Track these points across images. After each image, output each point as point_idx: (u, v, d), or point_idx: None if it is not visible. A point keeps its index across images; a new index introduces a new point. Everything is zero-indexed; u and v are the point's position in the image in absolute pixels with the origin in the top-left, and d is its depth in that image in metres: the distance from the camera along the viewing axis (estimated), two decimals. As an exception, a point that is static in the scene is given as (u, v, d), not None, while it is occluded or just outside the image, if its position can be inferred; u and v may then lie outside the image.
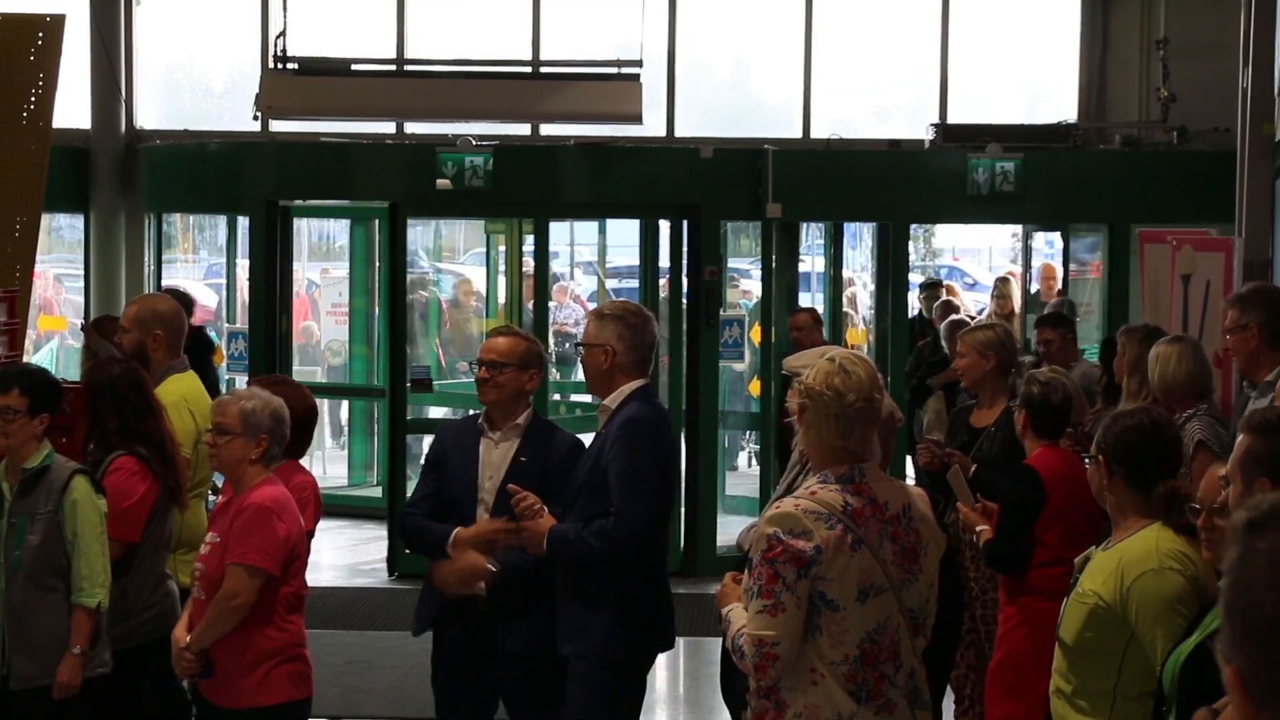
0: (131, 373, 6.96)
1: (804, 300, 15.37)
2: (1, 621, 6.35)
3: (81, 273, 16.40)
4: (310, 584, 6.57)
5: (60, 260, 20.11)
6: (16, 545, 6.34)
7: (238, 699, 6.20)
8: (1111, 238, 14.48)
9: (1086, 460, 5.28)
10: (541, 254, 14.29)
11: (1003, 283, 16.34)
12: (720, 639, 5.47)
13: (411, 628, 6.92)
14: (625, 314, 6.51)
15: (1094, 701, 4.93)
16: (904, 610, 4.85)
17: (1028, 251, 16.45)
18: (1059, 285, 15.79)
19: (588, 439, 6.58)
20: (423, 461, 7.05)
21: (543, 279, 14.32)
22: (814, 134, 15.96)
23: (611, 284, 22.23)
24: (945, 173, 14.36)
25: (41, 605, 6.34)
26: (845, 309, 15.84)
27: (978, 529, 7.25)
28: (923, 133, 15.05)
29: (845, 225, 15.37)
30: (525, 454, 6.58)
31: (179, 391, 7.48)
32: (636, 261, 15.75)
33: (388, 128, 15.87)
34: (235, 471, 6.25)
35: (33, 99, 11.58)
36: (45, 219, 12.35)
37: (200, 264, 15.90)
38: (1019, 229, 19.22)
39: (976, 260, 28.46)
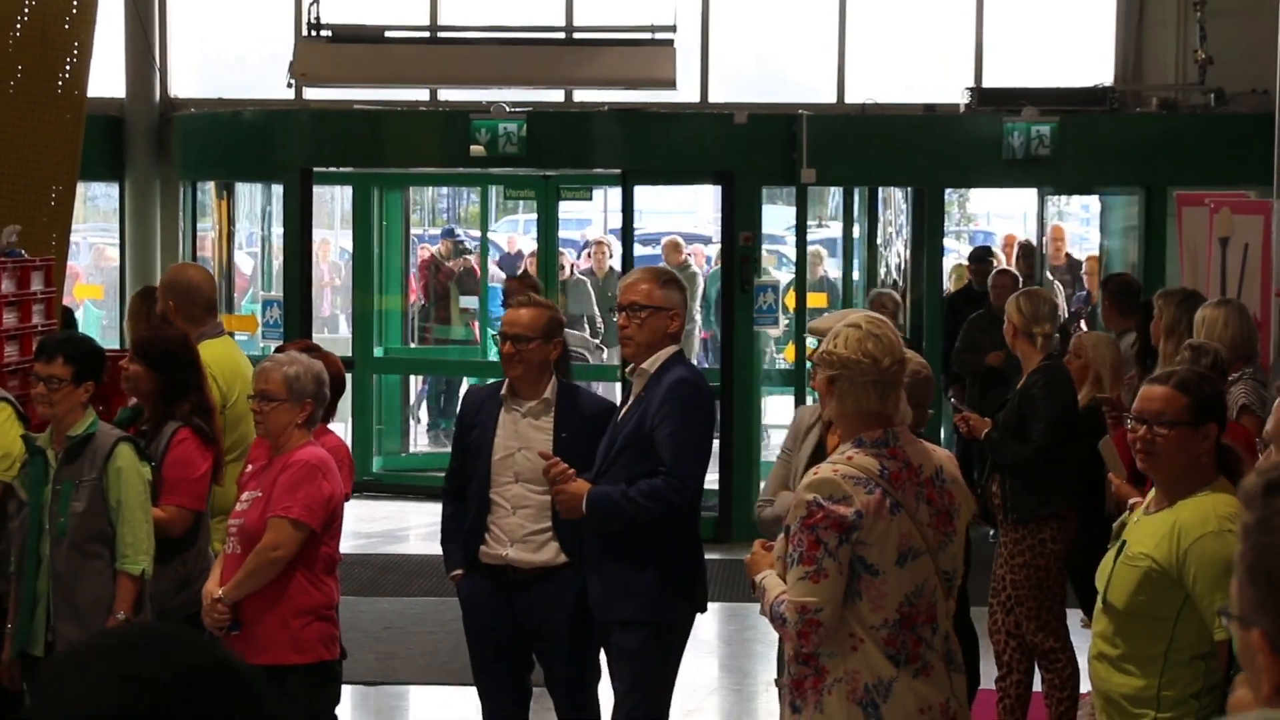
0: (188, 339, 6.99)
1: (832, 266, 15.35)
2: (48, 587, 6.38)
3: (117, 241, 16.45)
4: (346, 550, 6.60)
5: (95, 229, 20.17)
6: (61, 512, 6.36)
7: (268, 653, 6.22)
8: (1148, 201, 14.40)
9: (1127, 423, 5.25)
10: (628, 216, 14.25)
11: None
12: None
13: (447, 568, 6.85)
14: (679, 280, 6.59)
15: (1143, 665, 4.89)
16: (939, 572, 4.85)
17: (1043, 216, 16.28)
18: (1067, 247, 15.80)
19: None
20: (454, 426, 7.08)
21: (629, 242, 14.33)
22: (848, 99, 15.90)
23: (647, 251, 22.23)
24: (980, 137, 14.30)
25: (86, 571, 6.37)
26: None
27: (1131, 501, 7.11)
28: (957, 97, 14.98)
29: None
30: (564, 429, 6.57)
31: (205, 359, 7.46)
32: (673, 228, 15.76)
33: (421, 94, 15.86)
34: (281, 436, 6.29)
35: (68, 68, 11.60)
36: (80, 188, 12.38)
37: (237, 232, 15.90)
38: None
39: (1011, 225, 28.33)
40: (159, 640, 1.99)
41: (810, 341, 5.32)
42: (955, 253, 18.36)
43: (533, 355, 6.55)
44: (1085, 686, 7.24)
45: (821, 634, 4.71)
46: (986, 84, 15.62)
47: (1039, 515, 7.87)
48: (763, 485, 6.67)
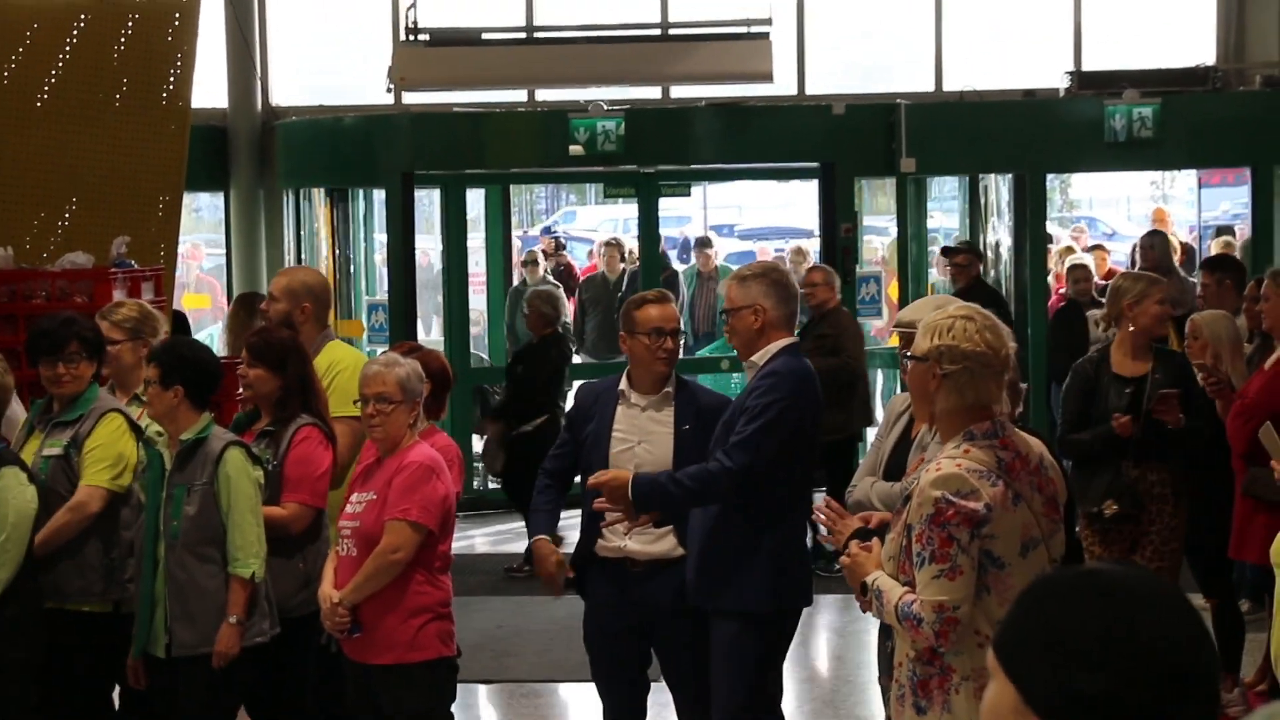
0: (299, 339, 7.07)
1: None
2: (163, 590, 6.47)
3: (223, 251, 16.62)
4: (458, 551, 6.65)
5: (202, 240, 20.37)
6: (175, 516, 6.44)
7: (388, 654, 6.28)
8: (1255, 181, 14.24)
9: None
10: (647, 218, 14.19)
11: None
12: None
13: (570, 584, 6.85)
14: (766, 272, 6.55)
15: None
16: (1052, 560, 4.78)
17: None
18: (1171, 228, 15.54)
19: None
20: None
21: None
22: (947, 86, 15.82)
23: (747, 246, 22.19)
24: (1081, 121, 14.19)
25: (199, 574, 6.44)
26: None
27: None
28: (1057, 81, 14.87)
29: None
30: (685, 421, 6.61)
31: (324, 363, 7.52)
32: (773, 222, 15.72)
33: (519, 95, 15.93)
34: (396, 437, 6.34)
35: (171, 79, 11.76)
36: (186, 198, 12.54)
37: (339, 238, 16.02)
38: (1158, 176, 18.98)
39: (1115, 210, 28.09)
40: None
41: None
42: (1056, 240, 18.16)
43: (676, 349, 6.67)
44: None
45: (960, 631, 4.61)
46: (1086, 67, 15.50)
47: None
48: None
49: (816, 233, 14.90)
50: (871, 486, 6.15)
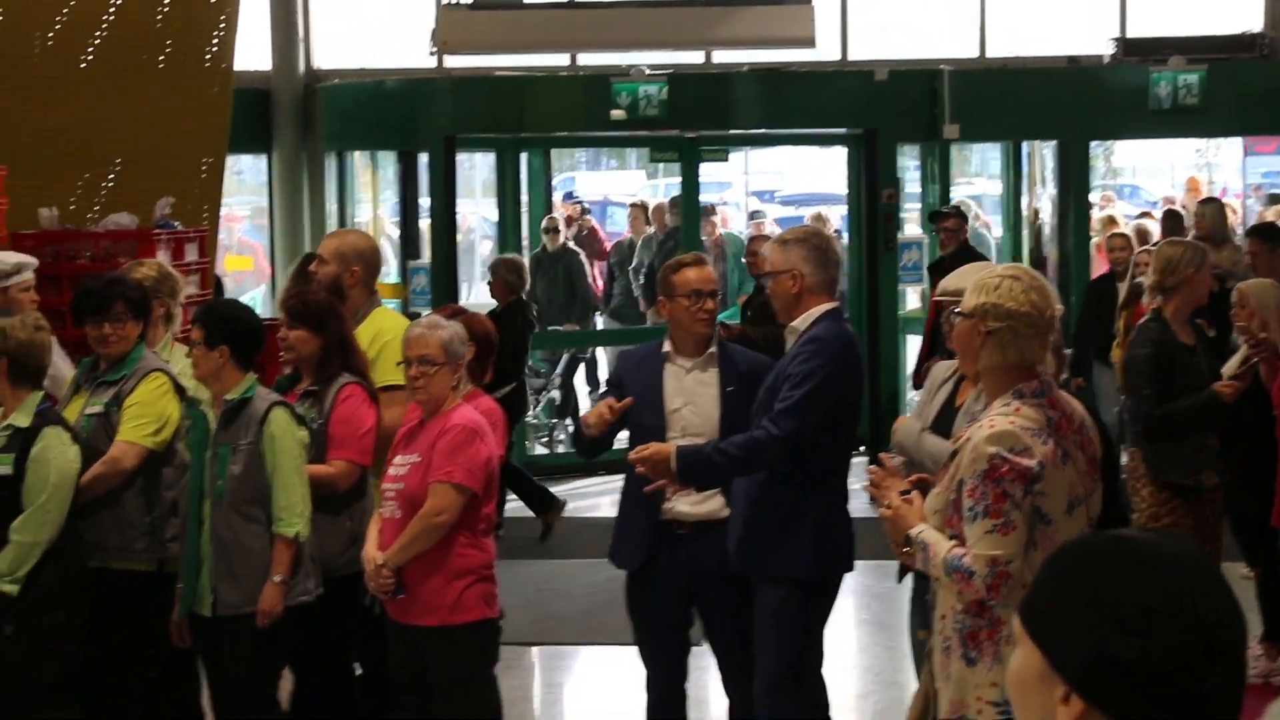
0: (335, 300, 7.08)
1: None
2: (208, 550, 6.50)
3: (266, 214, 16.66)
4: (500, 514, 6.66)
5: (243, 202, 20.42)
6: (220, 475, 6.47)
7: (432, 615, 6.31)
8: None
9: None
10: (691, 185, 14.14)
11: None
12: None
13: (617, 558, 6.84)
14: (808, 237, 6.55)
15: None
16: (1090, 519, 4.85)
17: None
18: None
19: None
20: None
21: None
22: (990, 53, 15.74)
23: (788, 212, 22.14)
24: (1126, 88, 14.13)
25: (245, 534, 6.47)
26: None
27: None
28: (1102, 48, 14.79)
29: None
30: (729, 383, 6.62)
31: (370, 331, 7.50)
32: (812, 189, 15.68)
33: (561, 59, 15.91)
34: (439, 399, 6.35)
35: (214, 42, 11.77)
36: (228, 160, 12.55)
37: (385, 202, 16.06)
38: (1202, 144, 18.87)
39: (1158, 179, 27.95)
40: None
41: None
42: (1096, 207, 18.06)
43: (715, 309, 6.72)
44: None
45: (1011, 585, 4.67)
46: (1131, 34, 15.40)
47: None
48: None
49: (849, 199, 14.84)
50: (920, 435, 6.12)
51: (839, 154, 15.34)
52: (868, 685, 9.03)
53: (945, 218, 12.95)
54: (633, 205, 17.95)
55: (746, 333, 11.46)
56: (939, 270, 11.25)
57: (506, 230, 15.19)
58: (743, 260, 13.66)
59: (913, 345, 15.25)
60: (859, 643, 9.81)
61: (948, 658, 4.84)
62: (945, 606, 4.87)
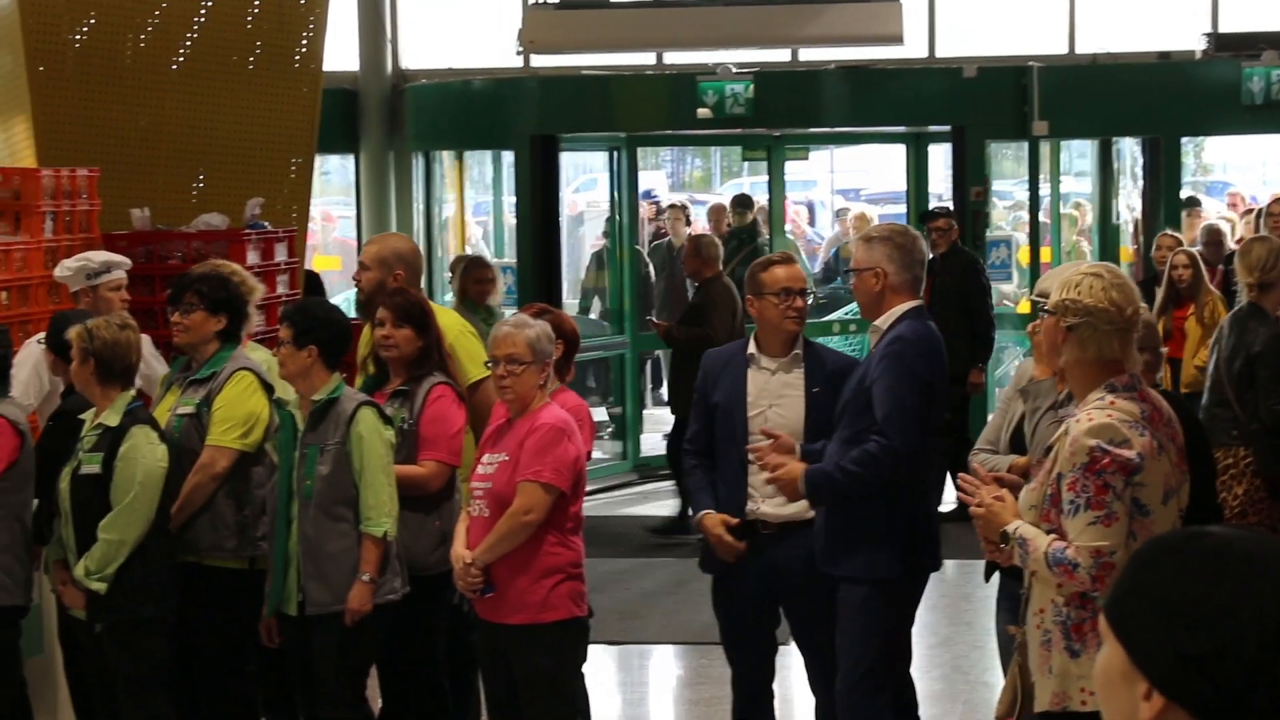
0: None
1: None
2: (296, 549, 6.53)
3: (354, 214, 16.75)
4: (588, 512, 6.66)
5: (332, 203, 20.53)
6: (308, 475, 6.50)
7: (520, 614, 6.31)
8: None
9: None
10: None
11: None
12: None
13: (708, 565, 6.82)
14: (893, 235, 6.51)
15: None
16: (1180, 510, 4.92)
17: None
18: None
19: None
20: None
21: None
22: (1079, 49, 15.62)
23: (873, 209, 22.05)
24: (1218, 83, 13.99)
25: (332, 534, 6.50)
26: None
27: None
28: (1193, 43, 14.65)
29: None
30: (814, 384, 6.59)
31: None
32: (898, 187, 15.61)
33: (647, 58, 15.91)
34: (527, 398, 6.35)
35: (304, 43, 11.85)
36: (316, 161, 12.63)
37: (469, 201, 16.10)
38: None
39: (1250, 175, 27.65)
40: None
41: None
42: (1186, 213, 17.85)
43: (805, 308, 6.69)
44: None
45: (1114, 576, 4.68)
46: (1223, 28, 15.25)
47: None
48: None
49: (916, 197, 14.71)
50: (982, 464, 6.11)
51: (937, 151, 15.24)
52: (956, 685, 8.99)
53: (936, 218, 12.84)
54: (671, 207, 17.73)
55: (674, 332, 11.69)
56: (929, 271, 11.12)
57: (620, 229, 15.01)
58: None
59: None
60: (948, 642, 9.75)
61: (1048, 651, 4.89)
62: (1043, 600, 4.92)
